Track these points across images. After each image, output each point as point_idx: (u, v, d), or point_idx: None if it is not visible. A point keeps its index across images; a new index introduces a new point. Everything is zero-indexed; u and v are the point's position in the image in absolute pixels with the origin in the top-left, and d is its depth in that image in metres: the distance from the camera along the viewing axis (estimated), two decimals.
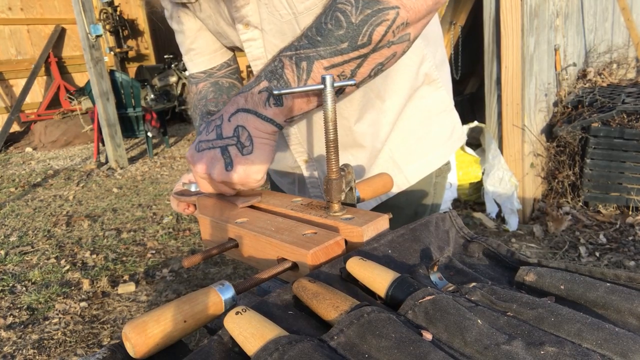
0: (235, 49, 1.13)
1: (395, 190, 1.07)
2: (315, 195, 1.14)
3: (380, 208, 1.08)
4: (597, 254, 2.94)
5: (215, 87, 1.12)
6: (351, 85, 0.69)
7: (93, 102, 5.83)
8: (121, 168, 5.84)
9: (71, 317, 2.72)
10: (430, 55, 1.02)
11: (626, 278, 0.51)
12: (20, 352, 2.43)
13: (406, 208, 1.11)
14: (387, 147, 1.05)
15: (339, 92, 0.77)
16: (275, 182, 1.27)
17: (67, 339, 2.53)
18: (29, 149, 7.25)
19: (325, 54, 0.70)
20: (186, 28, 1.08)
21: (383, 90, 0.98)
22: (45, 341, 2.51)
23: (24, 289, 3.06)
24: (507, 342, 0.40)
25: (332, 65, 0.71)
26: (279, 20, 0.89)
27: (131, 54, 9.33)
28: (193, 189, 0.88)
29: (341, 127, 1.00)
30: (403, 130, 1.05)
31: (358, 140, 1.02)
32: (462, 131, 1.16)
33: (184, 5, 1.02)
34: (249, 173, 0.72)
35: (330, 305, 0.48)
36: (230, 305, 0.53)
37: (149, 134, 6.22)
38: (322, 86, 0.65)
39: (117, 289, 2.98)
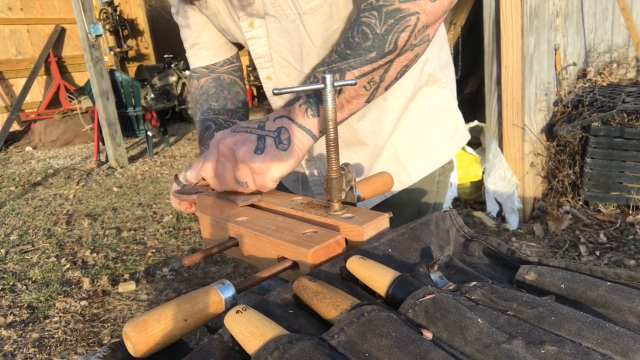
0: (240, 46, 1.14)
1: (399, 187, 1.07)
2: (318, 193, 1.14)
3: (383, 206, 1.08)
4: (598, 253, 2.94)
5: (217, 83, 1.13)
6: (351, 85, 0.70)
7: (93, 102, 5.83)
8: (121, 167, 5.84)
9: (72, 316, 2.72)
10: (434, 56, 1.03)
11: (627, 277, 0.51)
12: (20, 350, 2.43)
13: (409, 206, 1.11)
14: (391, 145, 1.06)
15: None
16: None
17: (67, 337, 2.53)
18: (29, 148, 7.25)
19: (355, 64, 0.75)
20: (192, 22, 1.09)
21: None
22: (46, 340, 2.52)
23: (25, 287, 3.06)
24: (508, 341, 0.40)
25: (362, 74, 0.75)
26: (284, 19, 0.90)
27: (131, 53, 9.33)
28: (181, 177, 0.88)
29: (344, 125, 1.00)
30: (407, 129, 1.05)
31: (361, 138, 1.03)
32: (465, 130, 1.17)
33: (190, 2, 1.03)
34: (272, 166, 0.72)
35: (331, 304, 0.48)
36: (231, 304, 0.53)
37: (149, 133, 6.22)
38: (322, 86, 0.65)
39: (117, 288, 2.98)
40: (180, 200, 0.94)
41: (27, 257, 3.50)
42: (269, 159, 0.72)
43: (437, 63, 1.04)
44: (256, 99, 9.50)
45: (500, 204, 3.48)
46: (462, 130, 1.15)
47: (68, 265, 3.31)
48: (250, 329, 0.44)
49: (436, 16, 0.76)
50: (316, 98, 0.76)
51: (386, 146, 1.05)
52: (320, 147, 1.06)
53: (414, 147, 1.07)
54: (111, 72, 5.86)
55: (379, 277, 0.52)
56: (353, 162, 1.06)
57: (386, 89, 0.82)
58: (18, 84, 7.72)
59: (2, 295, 2.97)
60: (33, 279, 3.16)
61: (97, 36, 5.41)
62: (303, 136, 0.76)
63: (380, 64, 0.75)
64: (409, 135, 1.06)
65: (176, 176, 0.92)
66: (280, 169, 0.73)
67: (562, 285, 0.50)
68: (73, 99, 7.53)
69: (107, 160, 6.00)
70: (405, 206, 1.10)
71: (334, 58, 0.76)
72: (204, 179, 0.83)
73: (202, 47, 1.12)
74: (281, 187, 1.27)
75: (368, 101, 0.81)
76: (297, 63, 0.97)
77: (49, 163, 6.36)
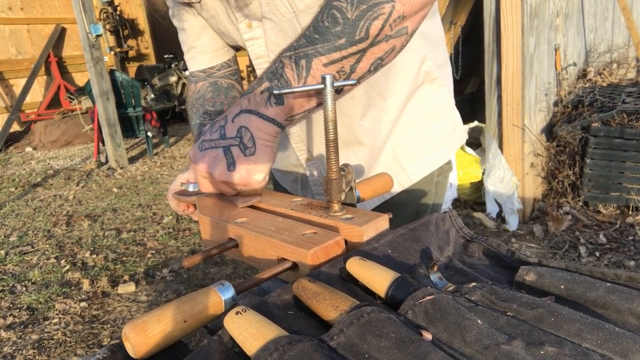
0: (239, 49, 1.14)
1: (398, 188, 1.07)
2: (317, 193, 1.14)
3: (382, 206, 1.08)
4: (597, 253, 2.94)
5: (214, 87, 1.13)
6: (351, 85, 0.70)
7: (93, 102, 5.83)
8: (121, 168, 5.84)
9: (71, 317, 2.72)
10: (431, 55, 1.03)
11: (626, 278, 0.51)
12: (20, 352, 2.43)
13: (408, 207, 1.11)
14: (390, 145, 1.06)
15: (338, 90, 0.77)
16: (277, 181, 1.28)
17: (67, 339, 2.53)
18: (29, 149, 7.25)
19: (323, 50, 0.70)
20: (189, 26, 1.09)
21: (384, 88, 0.99)
22: (45, 341, 2.51)
23: (24, 289, 3.06)
24: (507, 342, 0.40)
25: (330, 62, 0.71)
26: (280, 18, 0.90)
27: (131, 53, 9.33)
28: (191, 188, 0.88)
29: (344, 125, 1.00)
30: (405, 129, 1.05)
31: (359, 137, 1.03)
32: (463, 130, 1.16)
33: (187, 4, 1.03)
34: (251, 174, 0.73)
35: (330, 305, 0.48)
36: (230, 305, 0.53)
37: (149, 134, 6.21)
38: (322, 86, 0.65)
39: (117, 289, 2.98)
40: (179, 202, 0.94)
41: (27, 259, 3.50)
42: (244, 171, 0.72)
43: (434, 62, 1.04)
44: None
45: (500, 205, 3.48)
46: (460, 129, 1.15)
47: (68, 267, 3.31)
48: (249, 330, 0.44)
49: (414, 7, 0.71)
50: (279, 81, 0.72)
51: (385, 146, 1.05)
52: (320, 147, 1.06)
53: (413, 147, 1.07)
54: (111, 72, 5.86)
55: (378, 278, 0.52)
56: (351, 162, 1.06)
57: (359, 82, 0.78)
58: (18, 84, 7.72)
59: (2, 297, 2.97)
60: (33, 280, 3.16)
61: (98, 36, 5.41)
62: (267, 127, 0.73)
63: (351, 52, 0.71)
64: (407, 134, 1.06)
65: (182, 184, 0.92)
66: (259, 172, 0.73)
67: (562, 286, 0.50)
68: (73, 99, 7.53)
69: (107, 161, 6.00)
70: (404, 207, 1.10)
71: (301, 42, 0.72)
72: None
73: (199, 50, 1.12)
74: (279, 187, 1.27)
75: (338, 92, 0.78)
76: None
77: (48, 164, 6.36)
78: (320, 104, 0.76)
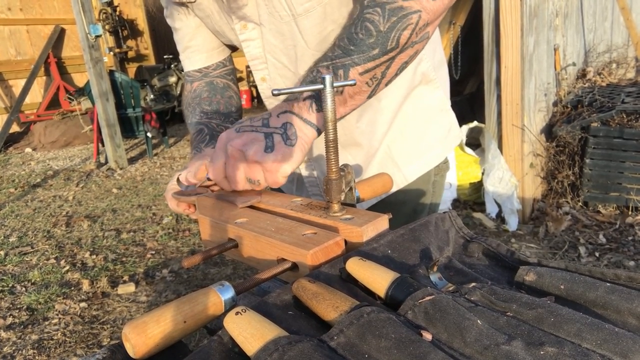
0: (234, 48, 1.14)
1: (394, 188, 1.07)
2: (313, 194, 1.14)
3: (379, 206, 1.09)
4: (597, 254, 2.94)
5: (210, 87, 1.13)
6: (350, 85, 0.70)
7: (92, 103, 5.82)
8: (121, 168, 5.84)
9: (71, 318, 2.71)
10: (428, 56, 1.03)
11: (626, 278, 0.51)
12: (20, 352, 2.43)
13: (405, 206, 1.11)
14: (386, 145, 1.06)
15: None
16: None
17: (66, 339, 2.53)
18: (28, 150, 7.25)
19: (359, 61, 0.76)
20: (184, 25, 1.09)
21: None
22: (45, 341, 2.51)
23: (24, 289, 3.06)
24: (507, 342, 0.40)
25: (365, 71, 0.77)
26: (279, 21, 0.90)
27: (131, 54, 9.32)
28: (182, 177, 0.88)
29: (341, 127, 1.00)
30: (401, 129, 1.06)
31: (356, 139, 1.03)
32: (459, 130, 1.18)
33: (181, 4, 1.03)
34: (284, 163, 0.73)
35: (330, 306, 0.48)
36: (230, 305, 0.53)
37: (149, 135, 6.21)
38: (321, 86, 0.65)
39: (116, 290, 2.98)
40: (179, 202, 0.93)
41: (27, 259, 3.50)
42: (280, 157, 0.73)
43: (430, 63, 1.05)
44: (256, 100, 9.50)
45: (499, 205, 3.48)
46: (455, 130, 1.16)
47: (67, 267, 3.31)
48: (249, 330, 0.44)
49: (437, 14, 0.77)
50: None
51: (380, 147, 1.06)
52: (318, 148, 1.06)
53: (409, 148, 1.07)
54: (111, 73, 5.86)
55: (378, 279, 0.52)
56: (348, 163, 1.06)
57: (386, 85, 0.83)
58: (17, 85, 7.71)
59: (2, 297, 2.97)
60: (32, 280, 3.16)
61: (97, 37, 5.41)
62: (308, 130, 0.77)
63: (383, 60, 0.77)
64: (403, 135, 1.06)
65: (178, 179, 0.92)
66: (291, 165, 0.74)
67: (562, 286, 0.50)
68: (73, 100, 7.52)
69: (106, 162, 6.00)
70: (401, 206, 1.10)
71: (337, 53, 0.77)
72: (208, 179, 0.83)
73: (195, 50, 1.12)
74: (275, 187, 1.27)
75: (370, 96, 0.82)
76: (292, 64, 0.97)
77: (48, 164, 6.35)
78: (353, 109, 0.83)
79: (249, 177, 0.75)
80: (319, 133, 0.79)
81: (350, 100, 0.80)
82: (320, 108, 0.76)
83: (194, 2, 0.99)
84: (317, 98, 0.76)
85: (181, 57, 1.15)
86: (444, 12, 0.79)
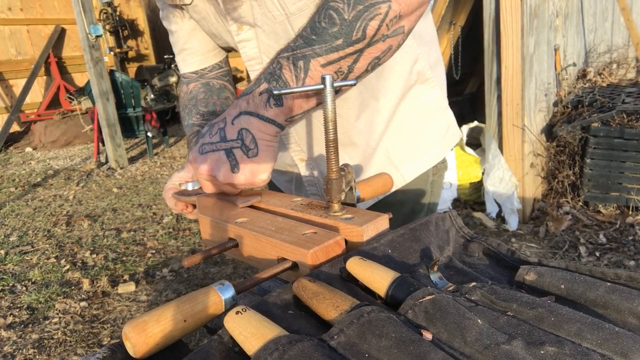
0: (230, 50, 1.14)
1: (392, 188, 1.08)
2: (312, 193, 1.14)
3: (377, 206, 1.08)
4: (597, 253, 2.94)
5: (206, 88, 1.13)
6: (351, 85, 0.70)
7: (93, 102, 5.83)
8: (121, 168, 5.84)
9: (71, 317, 2.72)
10: (424, 55, 1.03)
11: (626, 277, 0.51)
12: (20, 351, 2.43)
13: (404, 205, 1.11)
14: (383, 146, 1.06)
15: (336, 90, 0.77)
16: (272, 180, 1.28)
17: (67, 338, 2.53)
18: (29, 149, 7.25)
19: (321, 51, 0.71)
20: (180, 28, 1.09)
21: (377, 89, 0.99)
22: (46, 341, 2.51)
23: (24, 288, 3.06)
24: (507, 342, 0.40)
25: (328, 62, 0.71)
26: (272, 21, 0.90)
27: (131, 54, 9.32)
28: (190, 187, 0.88)
29: (339, 127, 1.00)
30: (399, 129, 1.05)
31: (353, 139, 1.03)
32: (457, 129, 1.17)
33: (177, 6, 1.03)
34: (255, 174, 0.74)
35: (330, 305, 0.48)
36: (230, 304, 0.53)
37: (149, 134, 6.21)
38: (321, 86, 0.65)
39: (117, 289, 2.98)
40: (177, 201, 0.93)
41: (27, 258, 3.50)
42: (248, 172, 0.73)
43: (426, 62, 1.04)
44: None
45: (499, 205, 3.48)
46: (453, 129, 1.15)
47: (68, 266, 3.31)
48: (249, 329, 0.44)
49: (410, 7, 0.72)
50: (277, 82, 0.72)
51: (378, 147, 1.06)
52: (318, 148, 1.06)
53: (406, 148, 1.07)
54: (111, 73, 5.86)
55: (378, 278, 0.52)
56: None
57: (357, 81, 0.79)
58: (18, 85, 7.71)
59: (2, 297, 2.97)
60: (33, 280, 3.16)
61: (97, 37, 5.41)
62: (268, 128, 0.73)
63: (348, 52, 0.71)
64: (401, 135, 1.06)
65: (180, 185, 0.92)
66: (263, 172, 0.74)
67: (562, 286, 0.50)
68: (73, 100, 7.53)
69: (107, 161, 6.00)
70: (400, 206, 1.10)
71: (299, 43, 0.72)
72: None
73: (191, 52, 1.11)
74: (274, 187, 1.27)
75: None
76: None
77: (48, 164, 6.35)
78: (319, 104, 0.76)
79: (230, 192, 0.79)
80: (282, 128, 0.75)
81: (313, 96, 0.74)
82: (279, 103, 0.72)
83: (190, 4, 0.99)
84: (274, 92, 0.70)
85: (177, 59, 1.15)
86: (420, 7, 0.74)
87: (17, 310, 2.80)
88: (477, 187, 3.69)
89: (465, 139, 3.70)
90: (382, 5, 0.69)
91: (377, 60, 0.76)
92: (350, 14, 0.69)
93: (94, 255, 3.46)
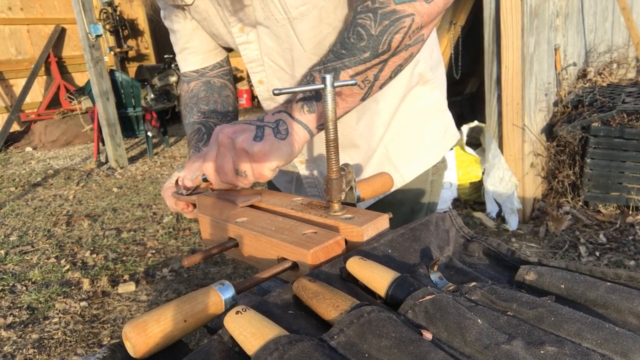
0: (231, 49, 1.14)
1: (392, 188, 1.08)
2: (312, 194, 1.15)
3: (377, 206, 1.09)
4: (597, 253, 2.94)
5: (207, 86, 1.13)
6: (351, 85, 0.70)
7: (93, 102, 5.83)
8: (121, 168, 5.84)
9: (71, 317, 2.72)
10: (425, 57, 1.04)
11: (627, 277, 0.51)
12: (20, 351, 2.43)
13: (403, 205, 1.12)
14: (383, 146, 1.06)
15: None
16: (272, 180, 1.28)
17: (67, 338, 2.53)
18: (29, 149, 7.25)
19: (350, 64, 0.77)
20: (181, 28, 1.09)
21: (378, 92, 0.99)
22: (46, 341, 2.52)
23: (24, 288, 3.06)
24: (507, 342, 0.40)
25: (356, 73, 0.77)
26: (275, 24, 0.90)
27: (131, 53, 9.32)
28: (184, 192, 0.88)
29: (340, 130, 1.00)
30: (399, 130, 1.06)
31: (355, 140, 1.04)
32: (455, 130, 1.18)
33: (179, 6, 1.03)
34: (270, 156, 0.73)
35: (330, 305, 0.48)
36: (231, 304, 0.53)
37: (149, 134, 6.21)
38: (322, 86, 0.66)
39: (117, 289, 2.98)
40: (177, 201, 0.93)
41: (27, 258, 3.50)
42: (268, 147, 0.73)
43: (427, 64, 1.05)
44: (256, 99, 9.50)
45: (499, 205, 3.48)
46: (452, 130, 1.16)
47: (68, 266, 3.31)
48: (250, 329, 0.44)
49: (431, 17, 0.77)
50: (313, 96, 0.78)
51: (378, 148, 1.06)
52: (317, 149, 1.06)
53: (406, 148, 1.08)
54: (111, 72, 5.86)
55: (378, 278, 0.52)
56: None
57: (381, 87, 0.83)
58: (18, 84, 7.71)
59: (2, 296, 2.97)
60: (33, 279, 3.16)
61: (97, 36, 5.41)
62: (300, 130, 0.78)
63: (374, 63, 0.77)
64: (400, 136, 1.07)
65: (176, 182, 0.92)
66: (279, 158, 0.74)
67: (562, 286, 0.50)
68: (73, 99, 7.53)
69: (107, 161, 6.00)
70: (400, 206, 1.11)
71: (329, 57, 0.78)
72: (204, 180, 0.83)
73: (192, 51, 1.12)
74: (273, 187, 1.27)
75: (363, 99, 0.83)
76: (288, 67, 0.97)
77: (48, 163, 6.35)
78: (346, 112, 0.84)
79: (237, 168, 0.75)
80: (311, 135, 0.80)
81: (342, 103, 0.81)
82: (312, 110, 0.78)
83: (191, 4, 0.99)
84: (309, 101, 0.77)
85: (178, 59, 1.16)
86: (438, 15, 0.80)
87: (17, 310, 2.80)
88: (477, 186, 3.69)
89: (465, 138, 3.70)
90: (406, 19, 0.75)
91: (400, 67, 0.82)
92: (377, 30, 0.75)
93: (94, 255, 3.46)
